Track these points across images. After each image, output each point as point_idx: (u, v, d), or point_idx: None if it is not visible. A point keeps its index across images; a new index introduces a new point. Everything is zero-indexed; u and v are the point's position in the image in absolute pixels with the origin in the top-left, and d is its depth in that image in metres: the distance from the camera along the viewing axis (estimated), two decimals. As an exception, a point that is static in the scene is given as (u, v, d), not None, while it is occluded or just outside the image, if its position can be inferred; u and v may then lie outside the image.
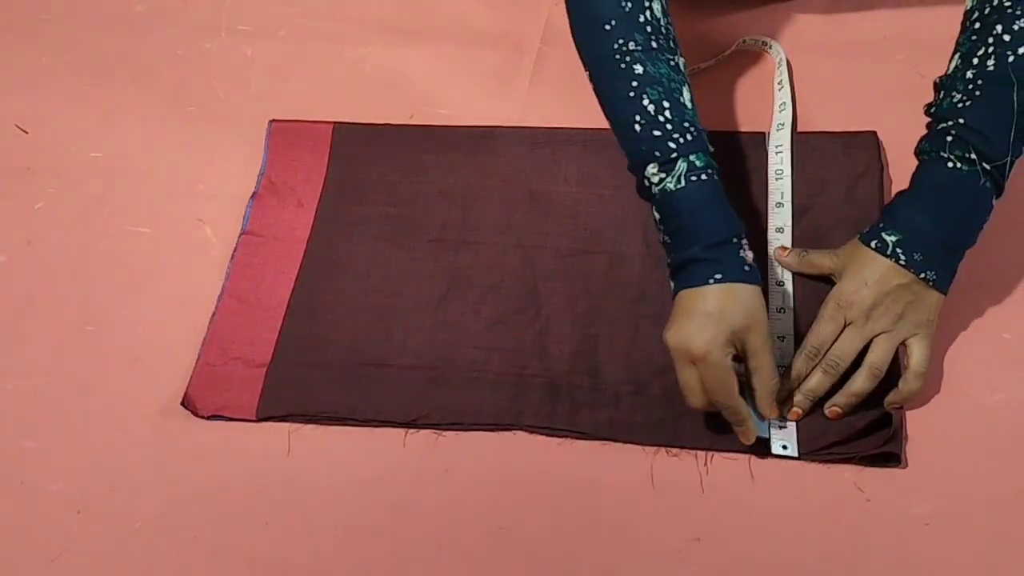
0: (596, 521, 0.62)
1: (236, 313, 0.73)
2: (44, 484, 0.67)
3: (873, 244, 0.64)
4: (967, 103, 0.61)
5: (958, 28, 0.74)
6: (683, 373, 0.62)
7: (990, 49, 0.60)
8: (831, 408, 0.64)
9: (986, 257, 0.70)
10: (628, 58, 0.63)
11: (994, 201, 0.62)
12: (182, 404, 0.68)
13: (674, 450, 0.65)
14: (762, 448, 0.63)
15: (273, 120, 0.83)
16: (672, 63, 0.64)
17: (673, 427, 0.65)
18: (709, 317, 0.60)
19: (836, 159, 0.75)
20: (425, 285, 0.73)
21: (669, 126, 0.62)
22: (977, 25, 0.62)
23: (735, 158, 0.76)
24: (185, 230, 0.78)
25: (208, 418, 0.68)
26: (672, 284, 0.64)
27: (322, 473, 0.66)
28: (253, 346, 0.71)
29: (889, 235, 0.63)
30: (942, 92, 0.64)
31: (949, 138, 0.61)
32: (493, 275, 0.73)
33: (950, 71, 0.63)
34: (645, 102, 0.62)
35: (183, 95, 0.87)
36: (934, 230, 0.62)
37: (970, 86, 0.61)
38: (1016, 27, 0.60)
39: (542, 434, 0.66)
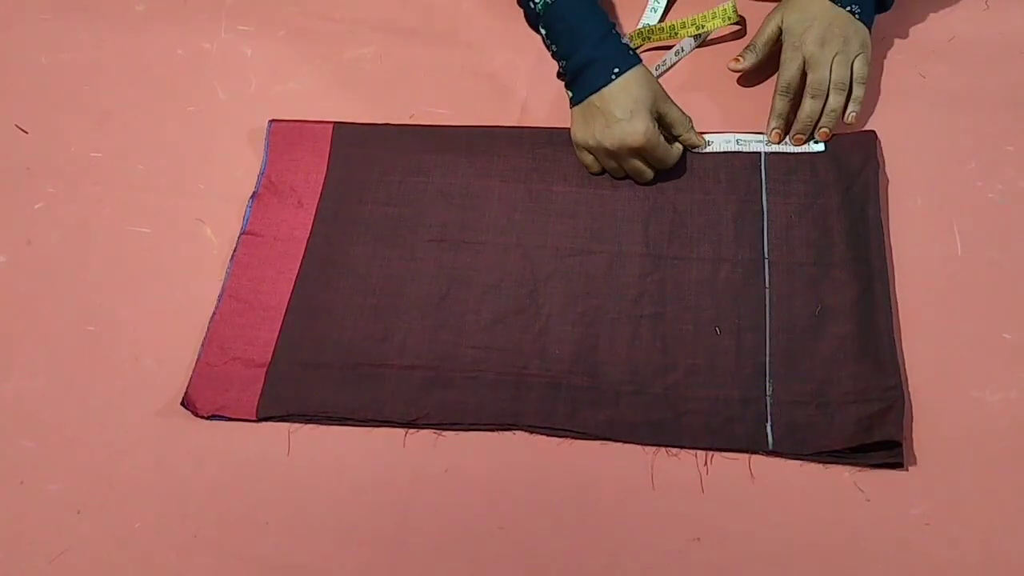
0: (596, 521, 0.63)
1: (236, 313, 0.73)
2: (44, 484, 0.67)
3: None
4: None
5: (958, 29, 0.75)
6: (628, 164, 0.74)
7: None
8: (820, 131, 0.76)
9: (986, 257, 0.71)
10: None
11: None
12: (182, 404, 0.68)
13: (674, 450, 0.65)
14: (761, 447, 0.64)
15: (273, 120, 0.83)
16: None
17: (673, 427, 0.65)
18: (631, 110, 0.72)
19: (835, 159, 0.75)
20: (425, 285, 0.73)
21: None
22: None
23: (730, 160, 0.76)
24: (185, 230, 0.78)
25: (208, 418, 0.68)
26: (571, 94, 0.76)
27: (322, 473, 0.66)
28: (253, 346, 0.71)
29: None
30: None
31: None
32: (493, 275, 0.73)
33: None
34: None
35: (183, 95, 0.87)
36: None
37: None
38: None
39: (542, 434, 0.66)
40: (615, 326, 0.70)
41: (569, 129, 0.80)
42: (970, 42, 0.82)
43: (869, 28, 0.77)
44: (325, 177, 0.80)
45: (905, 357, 0.66)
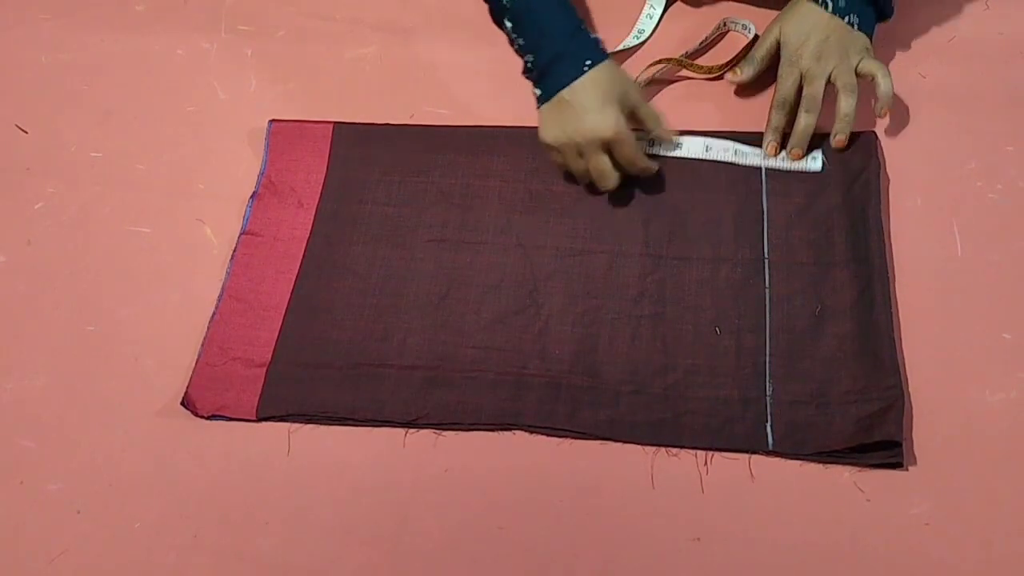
0: (596, 521, 0.63)
1: (236, 313, 0.73)
2: (44, 484, 0.67)
3: None
4: None
5: (958, 29, 0.75)
6: (594, 160, 0.71)
7: None
8: (837, 139, 0.74)
9: (986, 257, 0.71)
10: None
11: None
12: (182, 404, 0.68)
13: (674, 450, 0.65)
14: (761, 447, 0.64)
15: (273, 120, 0.83)
16: None
17: (673, 427, 0.65)
18: (602, 102, 0.69)
19: (835, 159, 0.75)
20: (425, 285, 0.73)
21: None
22: None
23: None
24: (185, 230, 0.79)
25: (208, 418, 0.68)
26: (540, 91, 0.72)
27: (322, 473, 0.66)
28: (253, 346, 0.71)
29: None
30: None
31: None
32: (493, 275, 0.73)
33: None
34: None
35: (183, 95, 0.87)
36: None
37: None
38: None
39: (542, 434, 0.66)
40: (615, 326, 0.70)
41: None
42: (970, 42, 0.82)
43: (870, 37, 0.76)
44: (325, 177, 0.80)
45: (905, 357, 0.66)
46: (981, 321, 0.68)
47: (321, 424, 0.68)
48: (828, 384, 0.66)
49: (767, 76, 0.80)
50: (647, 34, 0.86)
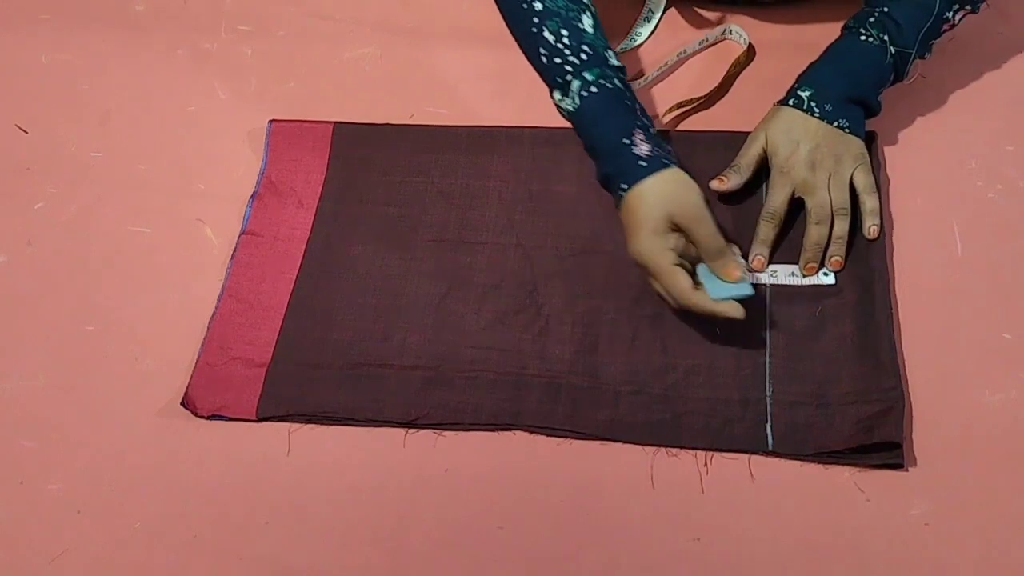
0: (596, 521, 0.63)
1: (236, 313, 0.73)
2: (44, 484, 0.67)
3: (790, 102, 0.72)
4: None
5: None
6: (652, 286, 0.67)
7: None
8: (832, 260, 0.70)
9: (986, 257, 0.71)
10: None
11: (890, 78, 0.72)
12: (182, 404, 0.68)
13: (674, 450, 0.65)
14: (761, 447, 0.64)
15: (273, 120, 0.83)
16: None
17: (673, 427, 0.65)
18: (638, 228, 0.65)
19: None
20: (425, 285, 0.73)
21: (567, 52, 0.68)
22: None
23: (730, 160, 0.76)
24: (185, 230, 0.79)
25: (208, 418, 0.68)
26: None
27: (322, 473, 0.66)
28: (253, 346, 0.71)
29: (803, 91, 0.71)
30: None
31: (871, 19, 0.71)
32: (493, 275, 0.73)
33: None
34: (546, 33, 0.68)
35: (183, 95, 0.87)
36: (838, 84, 0.71)
37: None
38: None
39: (542, 434, 0.66)
40: (615, 326, 0.70)
41: (569, 129, 0.80)
42: (970, 42, 0.82)
43: (862, 138, 0.72)
44: (325, 177, 0.80)
45: (905, 357, 0.66)
46: (981, 321, 0.68)
47: (321, 424, 0.68)
48: (828, 385, 0.66)
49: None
50: (644, 37, 0.86)
